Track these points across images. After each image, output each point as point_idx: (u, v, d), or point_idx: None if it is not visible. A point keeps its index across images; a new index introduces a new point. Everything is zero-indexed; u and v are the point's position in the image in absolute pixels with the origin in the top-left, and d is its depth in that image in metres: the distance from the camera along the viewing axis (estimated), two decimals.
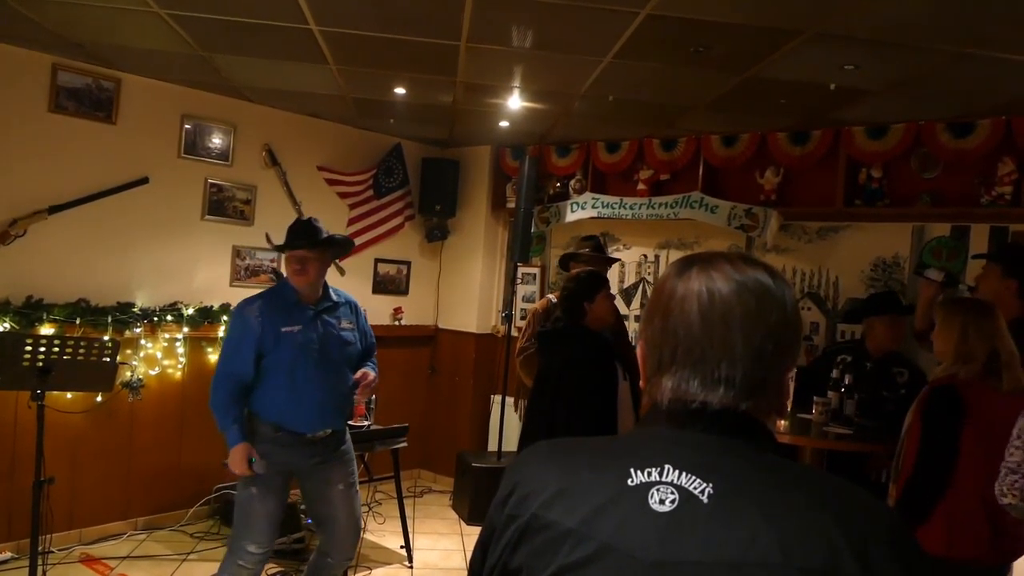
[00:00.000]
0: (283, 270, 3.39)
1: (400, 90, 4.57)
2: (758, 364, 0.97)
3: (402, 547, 4.65)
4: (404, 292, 6.20)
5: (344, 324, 3.38)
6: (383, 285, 6.05)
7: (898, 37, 3.09)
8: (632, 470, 0.94)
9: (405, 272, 6.22)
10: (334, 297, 3.42)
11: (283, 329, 3.20)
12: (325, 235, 3.34)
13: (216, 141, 5.00)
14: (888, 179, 4.55)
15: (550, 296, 4.70)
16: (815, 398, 4.19)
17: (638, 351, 1.07)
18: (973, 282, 3.95)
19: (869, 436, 3.80)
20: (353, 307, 3.49)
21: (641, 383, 1.06)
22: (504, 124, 5.27)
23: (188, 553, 4.44)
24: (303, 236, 3.30)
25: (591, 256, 4.68)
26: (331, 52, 3.86)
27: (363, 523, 3.64)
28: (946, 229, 4.45)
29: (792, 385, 3.52)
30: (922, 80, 3.61)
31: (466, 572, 4.28)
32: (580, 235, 5.86)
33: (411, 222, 6.14)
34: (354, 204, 5.72)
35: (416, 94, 4.65)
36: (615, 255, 5.47)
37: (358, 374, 3.37)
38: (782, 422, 4.01)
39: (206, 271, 5.01)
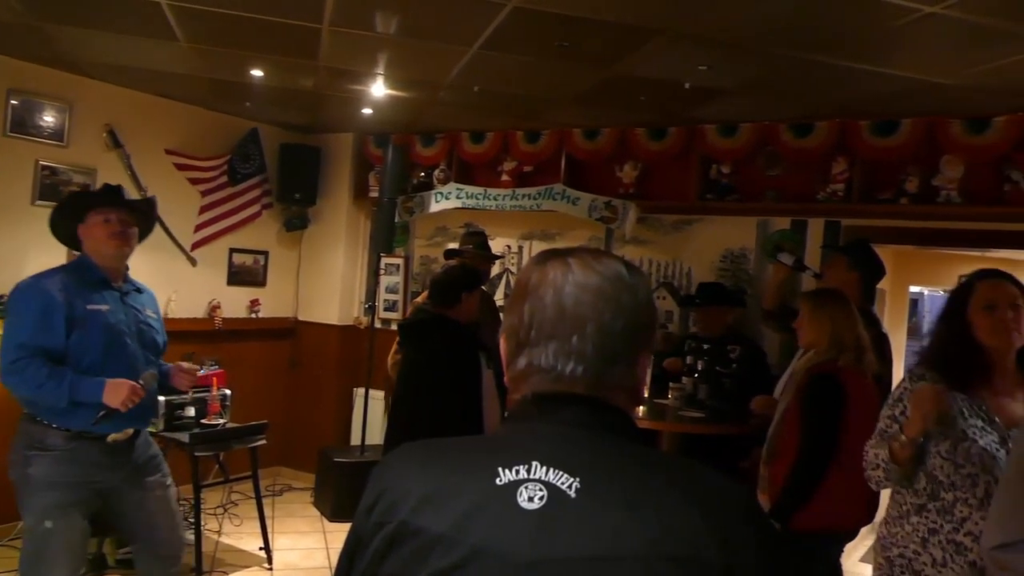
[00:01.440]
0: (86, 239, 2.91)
1: (257, 72, 4.36)
2: (609, 339, 0.99)
3: (261, 548, 4.48)
4: (261, 283, 5.95)
5: (149, 312, 3.04)
6: (239, 276, 5.78)
7: (746, 41, 3.25)
8: (500, 469, 0.93)
9: (262, 263, 5.97)
10: (135, 283, 3.07)
11: (89, 307, 2.76)
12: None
13: (48, 119, 4.59)
14: (737, 175, 4.82)
15: None
16: (671, 384, 4.40)
17: (500, 344, 1.07)
18: (820, 269, 4.26)
19: (722, 418, 4.02)
20: (152, 298, 3.14)
21: (505, 378, 1.06)
22: (368, 111, 5.15)
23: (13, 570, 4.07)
24: (124, 195, 2.97)
25: (475, 253, 4.69)
26: (181, 28, 3.63)
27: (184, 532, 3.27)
28: (787, 222, 4.77)
29: (648, 373, 3.62)
30: (768, 82, 3.83)
31: (329, 571, 4.19)
32: (445, 225, 5.86)
33: (269, 210, 5.90)
34: (207, 191, 5.42)
35: (275, 77, 4.46)
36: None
37: (180, 364, 3.09)
38: (641, 408, 4.18)
39: (38, 260, 4.56)
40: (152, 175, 5.08)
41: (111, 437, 2.81)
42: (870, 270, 3.94)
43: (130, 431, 2.89)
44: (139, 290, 3.06)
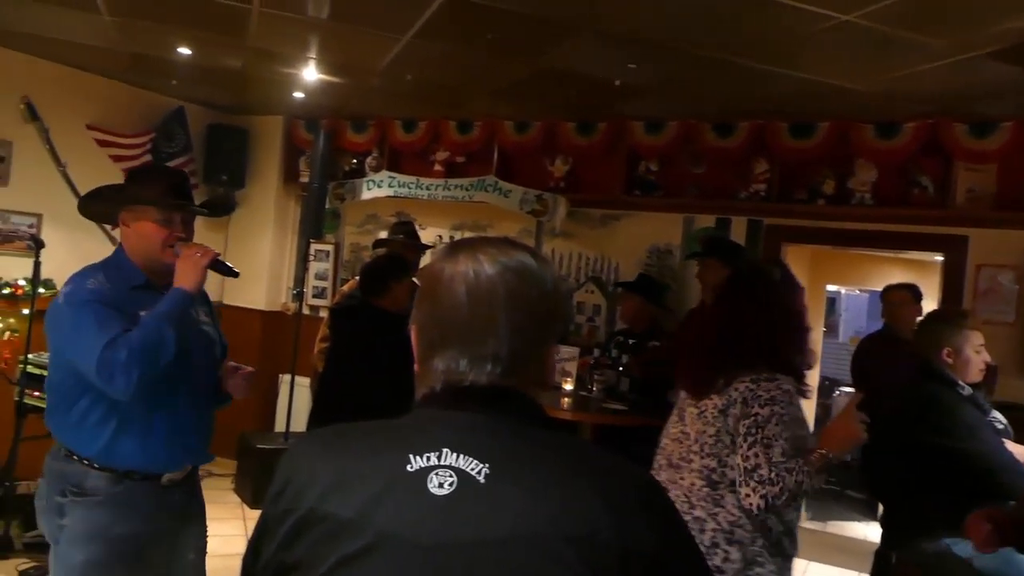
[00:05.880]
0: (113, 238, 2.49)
1: (184, 49, 4.27)
2: (521, 339, 1.02)
3: None
4: None
5: (203, 317, 2.40)
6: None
7: (668, 40, 3.34)
8: (411, 455, 0.95)
9: None
10: None
11: (142, 313, 2.12)
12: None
13: None
14: (663, 172, 4.93)
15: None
16: (595, 376, 4.49)
17: (412, 337, 1.08)
18: (700, 276, 4.23)
19: (643, 411, 4.12)
20: (205, 297, 2.45)
21: (416, 367, 1.08)
22: (299, 95, 5.09)
23: None
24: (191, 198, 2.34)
25: (403, 243, 4.68)
26: (104, 1, 3.52)
27: None
28: (711, 220, 4.90)
29: (577, 364, 3.68)
30: (690, 82, 3.93)
31: None
32: (375, 213, 5.84)
33: (194, 192, 5.75)
34: (129, 169, 5.27)
35: (202, 55, 4.37)
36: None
37: (230, 364, 2.47)
38: (566, 399, 4.26)
39: None
40: (71, 150, 4.91)
41: (167, 477, 2.20)
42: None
43: (188, 467, 2.31)
44: None
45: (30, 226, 4.76)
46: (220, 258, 2.27)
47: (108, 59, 4.65)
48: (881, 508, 4.66)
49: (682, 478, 2.13)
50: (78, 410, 2.10)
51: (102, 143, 5.12)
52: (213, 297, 6.39)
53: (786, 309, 2.16)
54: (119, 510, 2.10)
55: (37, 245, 4.18)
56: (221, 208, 2.71)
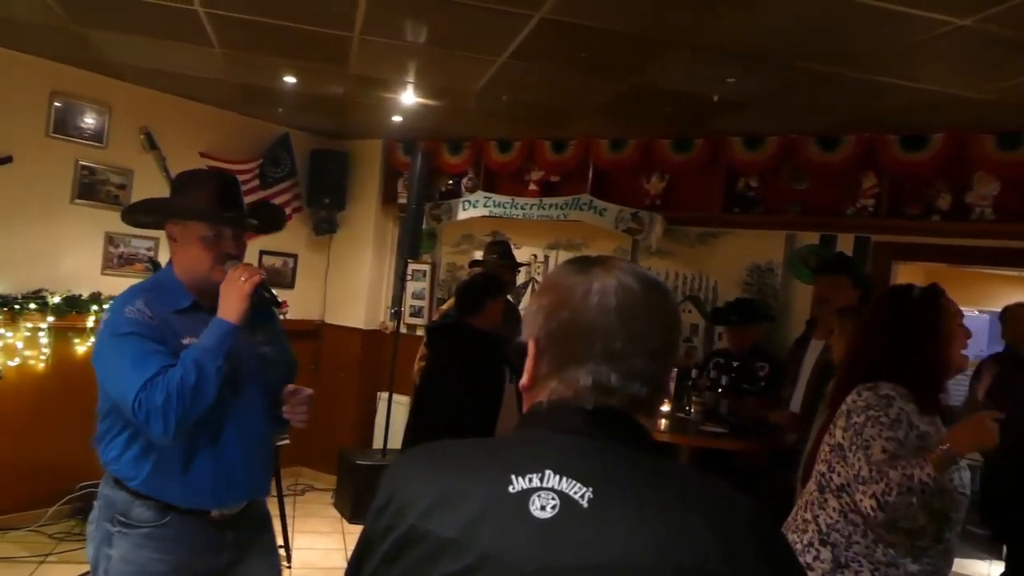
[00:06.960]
0: (172, 256, 2.13)
1: (290, 79, 4.45)
2: (661, 359, 1.00)
3: (280, 546, 4.50)
4: (290, 286, 6.04)
5: (260, 337, 2.20)
6: (269, 278, 5.83)
7: (768, 54, 3.25)
8: (513, 476, 0.94)
9: (291, 265, 6.06)
10: None
11: (184, 340, 1.98)
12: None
13: (89, 121, 4.72)
14: (763, 188, 4.78)
15: None
16: (693, 397, 4.38)
17: (530, 350, 1.04)
18: (824, 295, 3.95)
19: (744, 434, 3.99)
20: (269, 313, 2.30)
21: (525, 381, 1.05)
22: (397, 119, 5.22)
23: (47, 555, 4.16)
24: (240, 207, 2.15)
25: (496, 263, 4.71)
26: (217, 35, 3.71)
27: None
28: (815, 237, 4.71)
29: (672, 385, 3.61)
30: (792, 95, 3.80)
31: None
32: (471, 233, 5.90)
33: (299, 214, 5.99)
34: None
35: (306, 83, 4.54)
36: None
37: (289, 388, 2.27)
38: (663, 421, 4.17)
39: (75, 258, 4.73)
40: None
41: (216, 512, 2.05)
42: (868, 287, 3.90)
43: (243, 503, 2.12)
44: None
45: (148, 249, 5.04)
46: (265, 283, 2.07)
47: (220, 90, 4.90)
48: (1005, 548, 4.35)
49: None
50: (119, 442, 2.00)
51: (213, 170, 5.38)
52: (314, 315, 6.60)
53: (930, 333, 2.10)
54: (165, 544, 1.98)
55: (155, 267, 4.41)
56: (272, 219, 2.40)
